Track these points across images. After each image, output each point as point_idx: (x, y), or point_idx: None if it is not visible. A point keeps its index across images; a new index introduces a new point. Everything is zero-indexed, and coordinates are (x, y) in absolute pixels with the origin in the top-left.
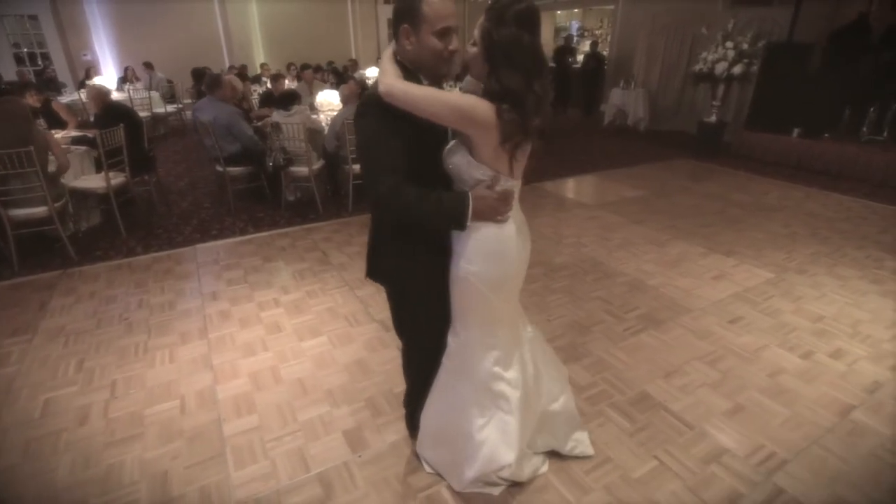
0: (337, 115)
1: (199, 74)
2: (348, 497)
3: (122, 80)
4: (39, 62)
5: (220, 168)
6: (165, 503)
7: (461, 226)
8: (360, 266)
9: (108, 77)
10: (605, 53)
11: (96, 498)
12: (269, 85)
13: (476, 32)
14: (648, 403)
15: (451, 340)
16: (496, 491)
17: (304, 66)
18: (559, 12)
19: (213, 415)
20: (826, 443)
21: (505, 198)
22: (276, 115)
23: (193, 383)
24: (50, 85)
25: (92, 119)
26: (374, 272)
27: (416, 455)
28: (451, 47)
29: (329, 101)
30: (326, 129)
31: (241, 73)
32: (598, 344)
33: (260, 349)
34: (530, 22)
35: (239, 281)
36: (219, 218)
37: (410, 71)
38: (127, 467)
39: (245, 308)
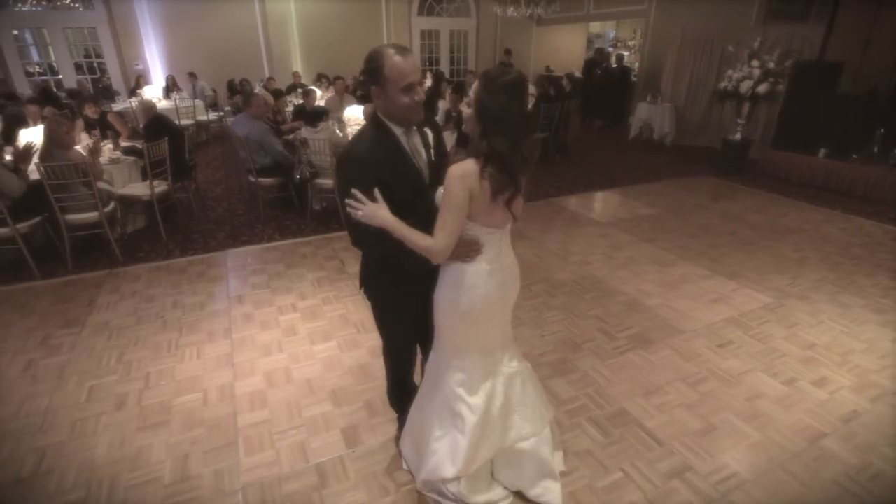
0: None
1: (233, 88)
2: (339, 487)
3: (167, 90)
4: (97, 71)
5: (252, 178)
6: (184, 481)
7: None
8: None
9: (156, 85)
10: (635, 65)
11: (128, 473)
12: (301, 98)
13: (471, 95)
14: (624, 419)
15: (432, 354)
16: None
17: (337, 78)
18: (593, 23)
19: (230, 408)
20: (790, 467)
21: (466, 244)
22: (305, 131)
23: (216, 379)
24: (105, 93)
25: (141, 129)
26: (360, 280)
27: (401, 450)
28: (416, 98)
29: (356, 115)
30: None
31: (275, 89)
32: (587, 361)
33: (276, 350)
34: (517, 91)
35: (263, 286)
36: (250, 225)
37: (386, 123)
38: (155, 449)
39: (266, 311)
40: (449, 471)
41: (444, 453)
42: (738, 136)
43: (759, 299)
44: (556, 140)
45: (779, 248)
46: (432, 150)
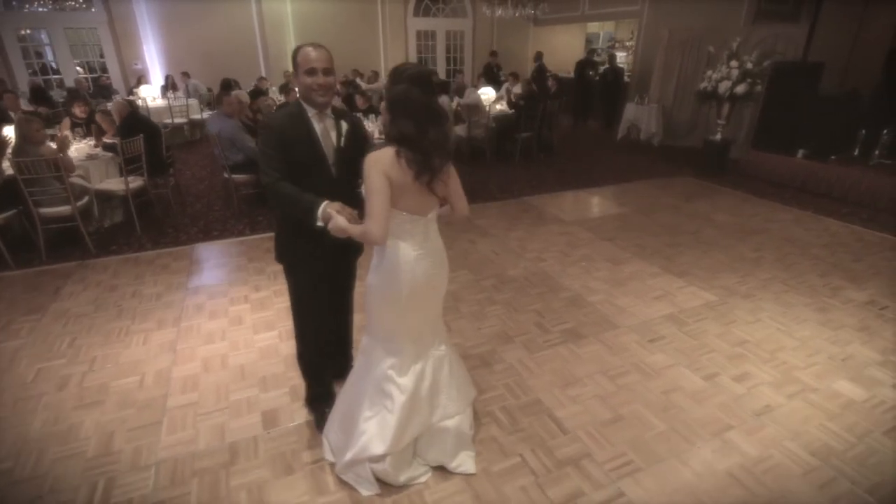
0: None
1: (226, 85)
2: (247, 464)
3: (165, 88)
4: (97, 70)
5: (226, 175)
6: (105, 456)
7: (313, 224)
8: None
9: (155, 85)
10: (628, 66)
11: (56, 447)
12: (284, 97)
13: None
14: (536, 409)
15: (364, 338)
16: (365, 491)
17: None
18: (591, 24)
19: (163, 390)
20: (687, 457)
21: (337, 226)
22: None
23: (156, 363)
24: (104, 91)
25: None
26: (276, 253)
27: (324, 437)
28: (317, 82)
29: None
30: None
31: (255, 89)
32: (515, 353)
33: (218, 339)
34: (420, 81)
35: (221, 278)
36: (223, 220)
37: (303, 104)
38: (85, 426)
39: (218, 302)
40: (378, 448)
41: (373, 432)
42: (718, 136)
43: (702, 297)
44: (540, 139)
45: (738, 247)
46: (342, 138)
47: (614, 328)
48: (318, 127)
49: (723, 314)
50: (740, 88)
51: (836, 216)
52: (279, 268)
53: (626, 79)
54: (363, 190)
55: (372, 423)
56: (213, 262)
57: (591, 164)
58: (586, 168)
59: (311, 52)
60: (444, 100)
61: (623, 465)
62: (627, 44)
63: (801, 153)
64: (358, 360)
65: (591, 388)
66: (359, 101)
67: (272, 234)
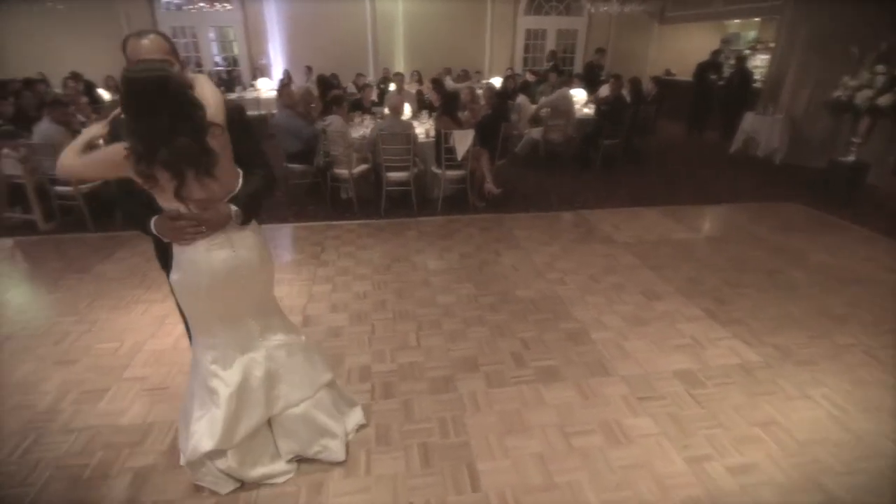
0: (377, 124)
1: (323, 82)
2: (150, 448)
3: (282, 82)
4: (231, 64)
5: (285, 164)
6: (48, 413)
7: (147, 233)
8: (344, 265)
9: (275, 79)
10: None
11: (19, 396)
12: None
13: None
14: (459, 454)
15: (192, 339)
16: (223, 489)
17: (397, 74)
18: (729, 22)
19: (128, 361)
20: None
21: (174, 227)
22: (325, 122)
23: (138, 334)
24: (233, 83)
25: None
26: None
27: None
28: None
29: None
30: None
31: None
32: (472, 384)
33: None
34: (128, 86)
35: None
36: (276, 207)
37: None
38: (51, 382)
39: None
40: (207, 444)
41: (203, 430)
42: (851, 157)
43: (741, 355)
44: (627, 148)
45: (824, 299)
46: None
47: (604, 375)
48: None
49: (759, 381)
50: (885, 99)
51: None
52: (296, 256)
53: (756, 85)
54: None
55: (202, 423)
56: None
57: (682, 179)
58: (673, 183)
59: (134, 47)
60: (522, 99)
61: None
62: (771, 45)
63: None
64: (191, 362)
65: (535, 443)
66: (432, 96)
67: (308, 224)
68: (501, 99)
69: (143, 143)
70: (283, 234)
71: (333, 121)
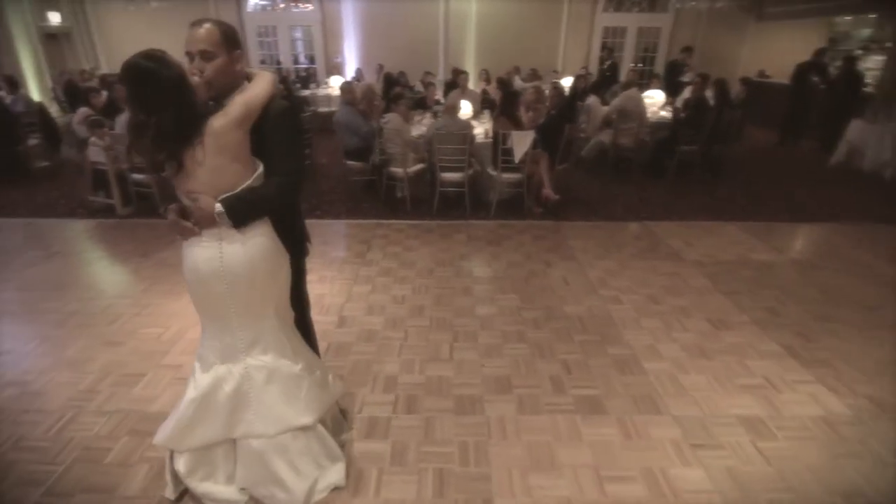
0: (433, 123)
1: (388, 80)
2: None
3: (355, 80)
4: (307, 62)
5: (344, 161)
6: (88, 392)
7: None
8: (388, 265)
9: (348, 76)
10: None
11: (67, 373)
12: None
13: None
14: (477, 488)
15: None
16: (167, 490)
17: (459, 72)
18: (838, 19)
19: (168, 348)
20: None
21: (173, 224)
22: (384, 120)
23: (182, 321)
24: (309, 80)
25: None
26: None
27: None
28: (191, 70)
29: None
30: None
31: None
32: (502, 408)
33: None
34: (123, 74)
35: None
36: (331, 202)
37: None
38: (96, 362)
39: None
40: (158, 436)
41: (166, 422)
42: None
43: (825, 405)
44: (707, 157)
45: None
46: None
47: (653, 412)
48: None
49: (844, 439)
50: None
51: None
52: (340, 254)
53: (867, 89)
54: None
55: (172, 412)
56: None
57: (769, 192)
58: (759, 197)
59: (192, 32)
60: (592, 100)
61: None
62: (888, 45)
63: None
64: None
65: (563, 485)
66: (497, 96)
67: (359, 222)
68: (574, 99)
69: (129, 131)
70: (334, 231)
71: (391, 119)
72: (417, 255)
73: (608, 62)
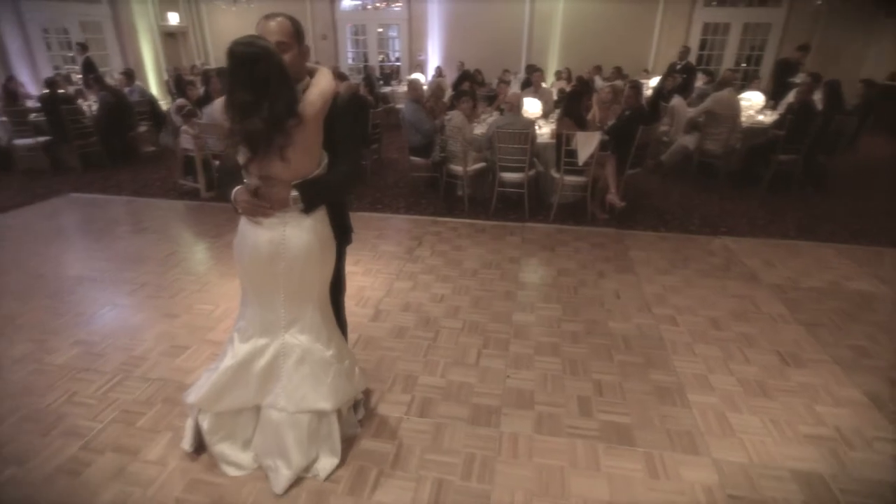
0: (495, 120)
1: (463, 77)
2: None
3: (436, 77)
4: (391, 59)
5: (409, 157)
6: (139, 359)
7: (229, 201)
8: (433, 263)
9: (428, 72)
10: None
11: (125, 339)
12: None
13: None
14: None
15: None
16: (185, 443)
17: (534, 69)
18: None
19: (216, 324)
20: None
21: (248, 203)
22: (447, 117)
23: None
24: (391, 76)
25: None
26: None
27: None
28: None
29: (527, 108)
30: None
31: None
32: (518, 424)
33: None
34: (227, 57)
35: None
36: (394, 196)
37: None
38: (153, 331)
39: None
40: (190, 396)
41: (201, 383)
42: None
43: None
44: (811, 165)
45: None
46: None
47: (689, 452)
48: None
49: None
50: None
51: None
52: (392, 248)
53: None
54: None
55: (205, 375)
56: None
57: (880, 211)
58: (865, 216)
59: (266, 24)
60: (677, 101)
61: None
62: None
63: None
64: None
65: None
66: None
67: (415, 217)
68: (658, 99)
69: (229, 115)
70: (390, 225)
71: (454, 116)
72: (465, 254)
73: (680, 64)
